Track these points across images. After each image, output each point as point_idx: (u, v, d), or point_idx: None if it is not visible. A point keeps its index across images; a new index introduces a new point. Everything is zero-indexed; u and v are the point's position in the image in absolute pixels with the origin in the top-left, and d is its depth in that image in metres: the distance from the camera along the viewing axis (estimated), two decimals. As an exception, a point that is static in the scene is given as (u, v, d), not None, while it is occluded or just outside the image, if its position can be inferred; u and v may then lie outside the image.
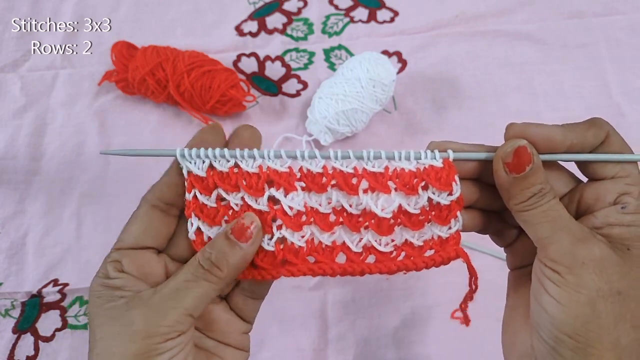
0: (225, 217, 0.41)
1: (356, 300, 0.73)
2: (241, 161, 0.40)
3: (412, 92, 0.87)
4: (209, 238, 0.40)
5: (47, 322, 0.73)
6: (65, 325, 0.72)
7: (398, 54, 0.90)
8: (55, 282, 0.74)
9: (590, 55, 0.89)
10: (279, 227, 0.40)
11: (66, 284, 0.74)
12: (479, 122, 0.84)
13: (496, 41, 0.90)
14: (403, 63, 0.89)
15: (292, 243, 0.40)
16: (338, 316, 0.73)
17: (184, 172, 0.40)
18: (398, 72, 0.88)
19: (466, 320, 0.45)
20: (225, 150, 0.39)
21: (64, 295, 0.74)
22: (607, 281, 0.35)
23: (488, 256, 0.72)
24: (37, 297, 0.74)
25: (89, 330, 0.37)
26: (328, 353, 0.71)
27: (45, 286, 0.74)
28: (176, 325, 0.36)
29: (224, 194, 0.40)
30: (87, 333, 0.77)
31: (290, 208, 0.40)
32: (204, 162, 0.40)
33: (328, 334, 0.72)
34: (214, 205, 0.40)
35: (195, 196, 0.40)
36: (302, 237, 0.40)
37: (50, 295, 0.74)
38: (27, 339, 0.72)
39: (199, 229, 0.40)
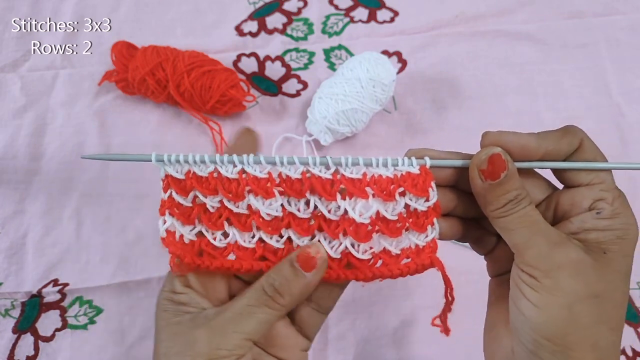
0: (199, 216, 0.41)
1: (356, 300, 0.73)
2: (221, 167, 0.40)
3: (412, 92, 0.87)
4: (181, 236, 0.41)
5: (47, 322, 0.72)
6: (65, 325, 0.72)
7: (398, 54, 0.90)
8: (55, 282, 0.74)
9: (590, 55, 0.89)
10: (259, 228, 0.41)
11: (66, 284, 0.74)
12: (479, 122, 0.84)
13: (496, 41, 0.90)
14: (403, 63, 0.89)
15: (271, 244, 0.41)
16: (338, 316, 0.73)
17: (161, 173, 0.40)
18: (398, 72, 0.88)
19: (446, 330, 0.46)
20: (205, 155, 0.40)
21: (64, 295, 0.74)
22: (584, 284, 0.35)
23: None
24: (37, 297, 0.73)
25: (154, 341, 0.39)
26: (328, 353, 0.71)
27: (45, 286, 0.74)
28: (236, 349, 0.37)
29: (200, 197, 0.41)
30: (87, 333, 0.77)
31: (268, 214, 0.41)
32: (182, 167, 0.40)
33: (328, 334, 0.72)
34: (190, 205, 0.41)
35: (171, 196, 0.40)
36: (281, 237, 0.42)
37: (50, 295, 0.74)
38: (27, 339, 0.72)
39: (171, 225, 0.41)
